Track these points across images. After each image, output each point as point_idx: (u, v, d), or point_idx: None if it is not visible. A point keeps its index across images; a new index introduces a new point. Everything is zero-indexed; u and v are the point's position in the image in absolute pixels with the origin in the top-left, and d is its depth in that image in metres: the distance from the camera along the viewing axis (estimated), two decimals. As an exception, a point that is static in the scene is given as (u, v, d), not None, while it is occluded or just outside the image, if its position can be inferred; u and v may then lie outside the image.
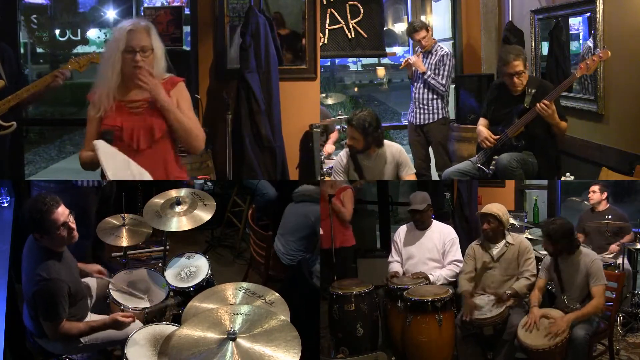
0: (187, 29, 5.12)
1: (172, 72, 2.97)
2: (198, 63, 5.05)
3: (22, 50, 6.42)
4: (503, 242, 3.45)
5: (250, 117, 4.68)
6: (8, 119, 3.45)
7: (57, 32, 9.37)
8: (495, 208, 3.43)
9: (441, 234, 3.73)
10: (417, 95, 5.36)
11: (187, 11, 5.19)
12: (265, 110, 4.69)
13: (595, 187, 4.31)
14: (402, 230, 3.86)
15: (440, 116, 5.32)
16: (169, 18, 4.83)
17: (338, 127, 5.46)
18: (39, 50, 10.33)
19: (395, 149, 3.78)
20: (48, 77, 3.30)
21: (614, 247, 4.10)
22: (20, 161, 4.65)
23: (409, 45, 6.47)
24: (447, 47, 5.42)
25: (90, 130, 2.85)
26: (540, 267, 3.39)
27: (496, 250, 3.44)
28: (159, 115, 2.82)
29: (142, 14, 4.97)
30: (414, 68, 5.38)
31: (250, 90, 4.65)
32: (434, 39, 5.36)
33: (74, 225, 2.71)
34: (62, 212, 2.64)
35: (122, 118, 2.81)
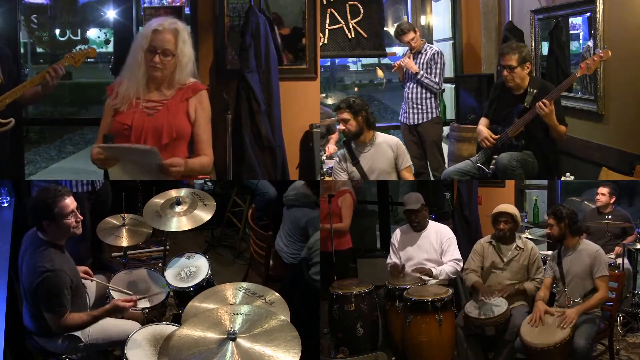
0: (187, 28, 5.11)
1: (196, 78, 2.89)
2: (198, 63, 5.04)
3: (22, 50, 6.42)
4: (514, 245, 3.45)
5: (250, 116, 4.67)
6: (7, 118, 3.44)
7: (57, 32, 9.36)
8: (511, 207, 3.47)
9: (438, 234, 3.73)
10: (410, 96, 5.36)
11: (187, 11, 5.18)
12: (265, 110, 4.69)
13: (605, 190, 4.29)
14: (399, 232, 3.87)
15: (434, 115, 5.32)
16: (169, 18, 4.82)
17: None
18: (39, 50, 10.34)
19: (391, 140, 3.82)
20: (43, 72, 3.28)
21: (618, 248, 4.09)
22: (20, 161, 4.64)
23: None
24: (437, 47, 5.42)
25: (104, 124, 2.82)
26: (545, 267, 3.40)
27: (508, 252, 3.45)
28: (171, 119, 2.77)
29: (142, 13, 4.95)
30: (405, 69, 5.39)
31: (251, 90, 4.64)
32: (422, 40, 5.36)
33: (80, 217, 2.74)
34: (72, 201, 2.70)
35: (133, 117, 2.76)
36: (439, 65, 5.24)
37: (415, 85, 5.31)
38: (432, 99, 5.30)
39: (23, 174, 4.41)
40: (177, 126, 2.78)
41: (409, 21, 5.91)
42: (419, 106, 5.31)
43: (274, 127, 4.73)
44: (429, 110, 5.31)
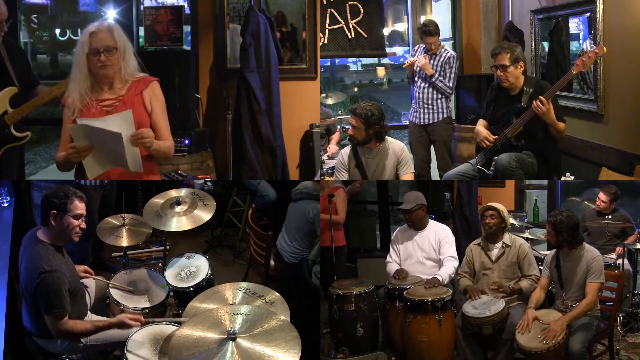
0: (187, 28, 5.13)
1: (145, 72, 2.98)
2: (198, 62, 5.05)
3: (22, 50, 6.45)
4: (500, 243, 3.46)
5: (250, 116, 4.67)
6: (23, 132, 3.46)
7: (58, 31, 9.36)
8: (496, 204, 3.46)
9: (436, 232, 3.73)
10: (420, 95, 5.33)
11: (187, 11, 5.19)
12: (265, 110, 4.69)
13: (605, 198, 4.24)
14: (399, 230, 3.87)
15: (445, 115, 5.30)
16: (169, 17, 4.83)
17: (339, 126, 5.46)
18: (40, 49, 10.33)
19: (397, 146, 3.79)
20: (58, 87, 3.31)
21: (620, 249, 4.09)
22: (20, 161, 4.64)
23: (409, 45, 6.45)
24: (451, 50, 5.40)
25: (65, 131, 2.88)
26: (542, 266, 3.39)
27: (495, 251, 3.45)
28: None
29: (143, 13, 4.97)
30: (416, 68, 5.37)
31: (251, 90, 4.64)
32: (441, 44, 5.35)
33: (84, 225, 2.77)
34: (83, 208, 2.75)
35: (94, 117, 2.81)
36: (453, 70, 5.23)
37: (426, 86, 5.29)
38: (443, 99, 5.28)
39: (23, 173, 4.42)
40: (138, 119, 2.85)
41: (435, 23, 5.80)
42: (431, 106, 5.29)
43: (274, 127, 4.73)
44: (440, 110, 5.29)
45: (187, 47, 4.99)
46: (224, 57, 5.04)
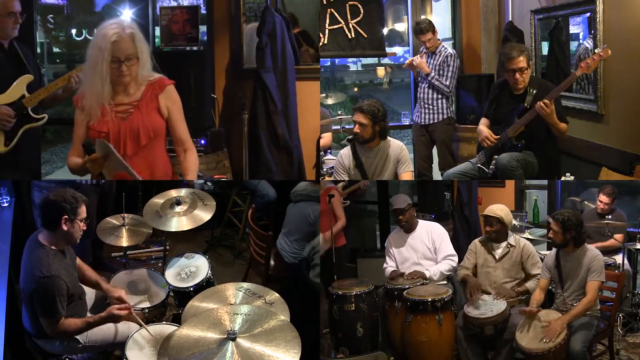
0: (203, 28, 5.12)
1: (159, 72, 2.91)
2: (214, 62, 5.04)
3: (38, 50, 6.40)
4: (505, 243, 3.46)
5: (266, 116, 4.67)
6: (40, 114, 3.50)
7: (74, 31, 9.36)
8: (498, 210, 3.45)
9: (428, 232, 3.75)
10: (422, 95, 5.34)
11: (203, 10, 5.19)
12: (281, 110, 4.68)
13: (607, 199, 4.24)
14: (392, 235, 3.89)
15: (445, 116, 5.30)
16: (185, 17, 4.82)
17: (338, 127, 5.44)
18: (56, 50, 10.32)
19: (396, 145, 3.79)
20: (67, 75, 3.33)
21: (612, 241, 4.08)
22: (37, 160, 4.62)
23: (409, 46, 6.45)
24: (451, 48, 5.40)
25: (79, 134, 2.85)
26: (541, 267, 3.40)
27: (499, 250, 3.46)
28: (145, 119, 2.81)
29: (159, 13, 4.96)
30: (417, 68, 5.37)
31: (267, 90, 4.64)
32: (438, 40, 5.34)
33: (85, 227, 2.78)
34: (86, 209, 2.77)
35: (108, 124, 2.79)
36: (451, 68, 5.21)
37: (426, 86, 5.29)
38: (444, 100, 5.28)
39: (39, 172, 4.41)
40: (153, 126, 2.83)
41: (428, 20, 5.81)
42: (431, 106, 5.29)
43: (290, 127, 4.72)
44: (441, 110, 5.28)
45: (202, 47, 4.98)
46: (240, 57, 5.04)
